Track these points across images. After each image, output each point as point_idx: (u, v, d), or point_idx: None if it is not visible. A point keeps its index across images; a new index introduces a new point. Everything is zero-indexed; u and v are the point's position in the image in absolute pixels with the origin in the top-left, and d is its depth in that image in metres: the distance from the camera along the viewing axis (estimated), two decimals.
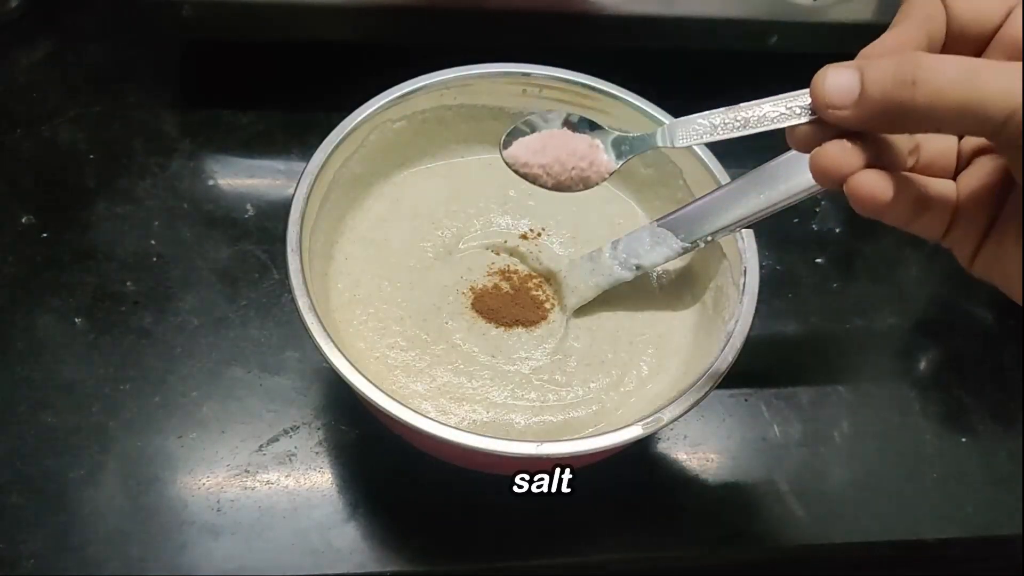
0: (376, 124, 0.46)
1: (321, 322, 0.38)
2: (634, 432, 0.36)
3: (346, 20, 0.54)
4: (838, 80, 0.29)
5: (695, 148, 0.46)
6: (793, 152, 0.36)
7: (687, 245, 0.43)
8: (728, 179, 0.44)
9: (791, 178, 0.39)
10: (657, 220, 0.44)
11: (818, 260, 0.56)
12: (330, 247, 0.46)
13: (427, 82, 0.46)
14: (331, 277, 0.45)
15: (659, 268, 0.47)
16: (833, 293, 0.55)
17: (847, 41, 0.57)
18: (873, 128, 0.29)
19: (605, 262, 0.45)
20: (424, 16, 0.54)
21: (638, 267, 0.44)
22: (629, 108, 0.47)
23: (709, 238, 0.42)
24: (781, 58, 0.57)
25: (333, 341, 0.37)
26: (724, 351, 0.39)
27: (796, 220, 0.58)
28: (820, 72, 0.30)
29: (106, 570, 0.41)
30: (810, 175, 0.30)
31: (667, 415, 0.37)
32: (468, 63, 0.47)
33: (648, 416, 0.37)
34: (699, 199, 0.43)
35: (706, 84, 0.60)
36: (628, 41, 0.56)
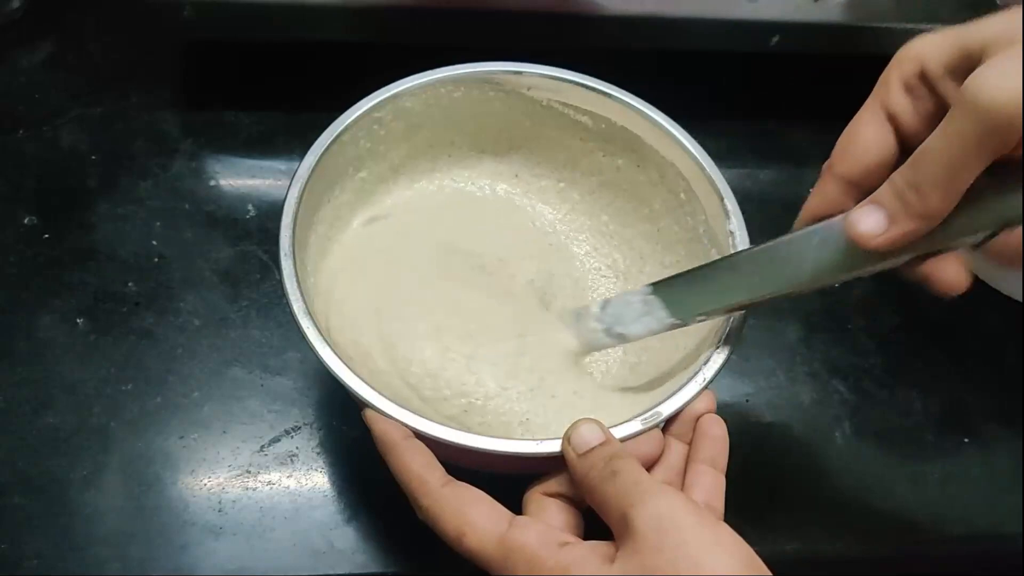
0: (365, 125, 0.45)
1: (316, 325, 0.38)
2: (633, 428, 0.36)
3: (346, 20, 0.54)
4: (868, 220, 0.32)
5: (694, 152, 0.45)
6: (816, 230, 0.35)
7: (676, 322, 0.40)
8: (727, 188, 0.43)
9: (819, 261, 0.35)
10: (654, 284, 0.42)
11: None
12: (325, 249, 0.45)
13: (417, 82, 0.46)
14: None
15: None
16: (834, 293, 0.55)
17: (849, 43, 0.57)
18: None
19: (591, 325, 0.43)
20: (424, 16, 0.54)
21: (621, 336, 0.42)
22: (624, 107, 0.46)
23: (702, 318, 0.40)
24: (783, 59, 0.57)
25: (328, 344, 0.37)
26: (720, 344, 0.39)
27: None
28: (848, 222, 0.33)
29: (108, 570, 0.41)
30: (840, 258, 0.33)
31: (665, 410, 0.37)
32: (468, 63, 0.47)
33: (647, 411, 0.37)
34: (702, 268, 0.40)
35: (707, 85, 0.60)
36: (628, 41, 0.56)
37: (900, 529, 0.47)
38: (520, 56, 0.47)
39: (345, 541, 0.43)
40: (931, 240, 0.31)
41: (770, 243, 0.37)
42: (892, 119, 0.34)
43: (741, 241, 0.42)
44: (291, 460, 0.45)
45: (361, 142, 0.45)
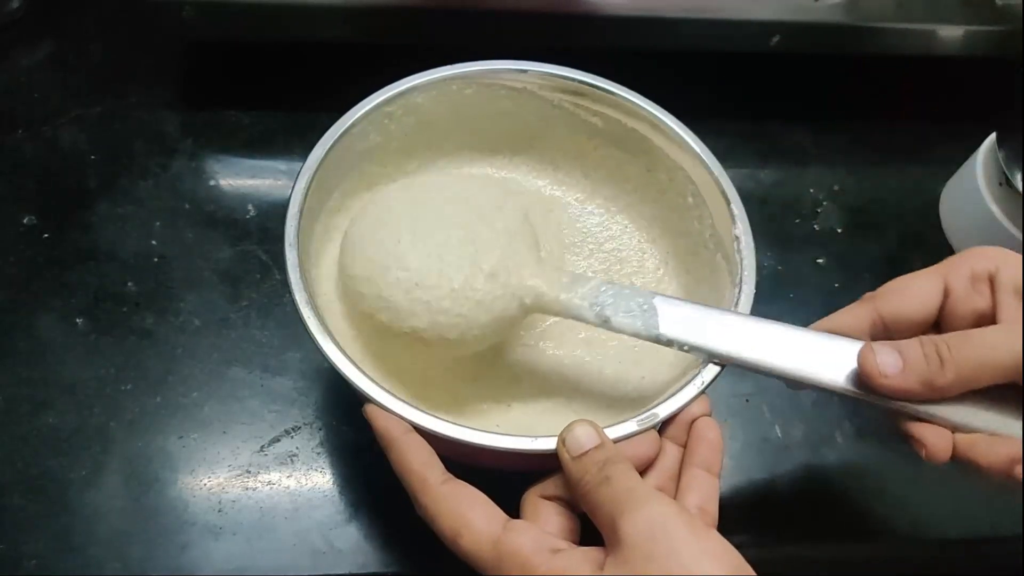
0: (376, 119, 0.45)
1: (319, 317, 0.38)
2: (629, 428, 0.36)
3: (346, 20, 0.54)
4: (885, 358, 0.35)
5: (702, 156, 0.44)
6: (828, 339, 0.37)
7: (661, 336, 0.39)
8: (734, 192, 0.43)
9: (819, 365, 0.37)
10: (661, 296, 0.40)
11: (819, 260, 0.56)
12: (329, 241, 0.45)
13: (429, 78, 0.46)
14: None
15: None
16: (834, 293, 0.55)
17: (849, 43, 0.57)
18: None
19: (580, 292, 0.40)
20: (424, 16, 0.54)
21: (604, 320, 0.39)
22: (635, 110, 0.46)
23: (686, 349, 0.38)
24: (783, 59, 0.57)
25: (331, 337, 0.37)
26: None
27: (797, 220, 0.58)
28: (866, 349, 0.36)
29: (107, 570, 0.41)
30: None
31: (662, 411, 0.37)
32: (480, 61, 0.47)
33: (643, 412, 0.37)
34: (714, 310, 0.39)
35: (707, 85, 0.60)
36: (628, 41, 0.56)
37: (900, 529, 0.47)
38: (519, 56, 0.47)
39: (345, 541, 0.43)
40: (925, 409, 0.36)
41: (783, 325, 0.38)
42: (947, 291, 0.38)
43: (746, 246, 0.42)
44: (291, 460, 0.45)
45: (371, 136, 0.45)
